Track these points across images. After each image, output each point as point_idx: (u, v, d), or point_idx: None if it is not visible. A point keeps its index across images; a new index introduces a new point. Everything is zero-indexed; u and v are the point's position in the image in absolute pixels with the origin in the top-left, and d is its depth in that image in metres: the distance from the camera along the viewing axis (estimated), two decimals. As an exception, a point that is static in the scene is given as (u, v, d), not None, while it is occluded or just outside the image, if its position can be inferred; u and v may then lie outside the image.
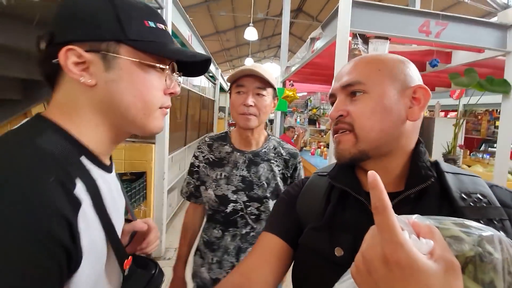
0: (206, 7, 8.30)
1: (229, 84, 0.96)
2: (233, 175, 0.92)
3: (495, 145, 4.53)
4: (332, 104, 0.51)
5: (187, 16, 2.62)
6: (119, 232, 0.49)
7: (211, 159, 0.96)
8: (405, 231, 0.26)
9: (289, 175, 0.97)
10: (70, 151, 0.39)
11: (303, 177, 0.97)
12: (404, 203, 0.43)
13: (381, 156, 0.47)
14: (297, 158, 0.99)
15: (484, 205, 0.41)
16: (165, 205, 2.58)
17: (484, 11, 6.05)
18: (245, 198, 0.91)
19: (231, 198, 0.91)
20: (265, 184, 0.92)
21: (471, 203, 0.41)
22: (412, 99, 0.46)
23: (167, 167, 2.51)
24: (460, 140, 3.72)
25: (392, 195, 0.43)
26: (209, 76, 5.64)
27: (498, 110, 6.28)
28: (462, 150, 3.61)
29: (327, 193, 0.52)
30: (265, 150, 0.96)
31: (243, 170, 0.92)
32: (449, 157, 2.88)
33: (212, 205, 0.93)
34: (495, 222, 0.38)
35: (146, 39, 0.42)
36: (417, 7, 4.36)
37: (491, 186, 0.45)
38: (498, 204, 0.41)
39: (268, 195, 0.92)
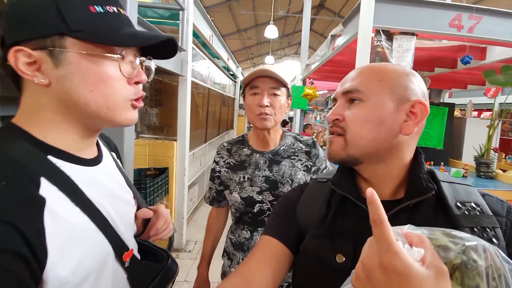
0: (227, 6, 8.40)
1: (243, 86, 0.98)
2: (256, 176, 0.94)
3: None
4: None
5: (208, 16, 2.68)
6: (119, 222, 0.49)
7: (232, 163, 0.98)
8: (399, 241, 0.29)
9: (312, 164, 0.98)
10: (34, 153, 0.40)
11: (326, 161, 0.99)
12: (403, 212, 0.45)
13: (375, 164, 0.48)
14: (316, 147, 1.00)
15: (478, 213, 0.43)
16: (185, 200, 2.68)
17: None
18: (271, 198, 0.93)
19: (257, 199, 0.92)
20: (289, 180, 0.93)
21: (465, 212, 0.43)
22: (409, 113, 0.47)
23: (187, 163, 2.61)
24: (495, 143, 3.45)
25: (391, 203, 0.46)
26: (230, 74, 5.72)
27: (541, 110, 5.70)
28: (496, 154, 3.35)
29: (327, 199, 0.53)
30: (284, 147, 0.98)
31: (265, 170, 0.94)
32: (481, 160, 2.69)
33: (239, 207, 0.95)
34: (488, 230, 0.41)
35: (91, 27, 0.39)
36: (448, 0, 4.10)
37: (483, 195, 0.47)
38: (490, 213, 0.44)
39: None
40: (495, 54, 2.71)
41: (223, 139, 5.39)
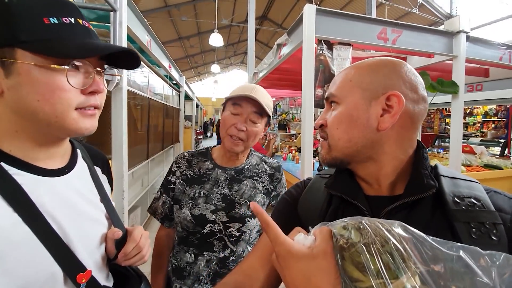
0: (166, 12, 8.03)
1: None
2: (213, 193, 0.86)
3: (447, 140, 4.99)
4: None
5: (146, 20, 2.43)
6: (76, 239, 0.47)
7: (189, 175, 0.88)
8: (300, 233, 0.39)
9: (272, 188, 0.94)
10: None
11: (285, 186, 0.97)
12: (402, 208, 0.44)
13: (364, 162, 0.48)
14: (280, 171, 0.97)
15: (477, 209, 0.41)
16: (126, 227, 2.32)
17: (430, 20, 6.75)
18: (225, 219, 0.84)
19: (209, 218, 0.83)
20: (247, 202, 0.87)
21: (463, 207, 0.41)
22: (385, 107, 0.45)
23: (126, 184, 2.27)
24: (418, 137, 4.02)
25: (390, 199, 0.46)
26: (173, 83, 5.39)
27: (447, 109, 7.01)
28: (419, 148, 3.89)
29: (330, 196, 0.53)
30: (248, 166, 0.92)
31: (224, 188, 0.86)
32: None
33: (187, 225, 0.84)
34: (487, 226, 0.39)
35: (41, 38, 0.40)
36: (373, 15, 4.66)
37: (489, 192, 0.45)
38: (492, 209, 0.41)
39: (250, 213, 0.87)
40: (413, 62, 3.15)
41: (168, 154, 5.00)
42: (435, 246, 0.30)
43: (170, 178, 0.89)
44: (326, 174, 0.58)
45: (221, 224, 0.83)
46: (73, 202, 0.50)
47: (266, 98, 0.84)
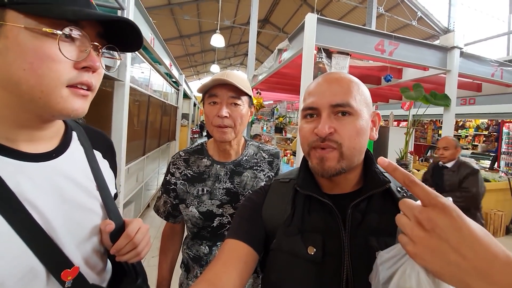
0: (169, 10, 8.05)
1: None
2: (216, 188, 0.86)
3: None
4: (307, 116, 0.54)
5: (150, 18, 2.47)
6: (64, 231, 0.43)
7: (189, 175, 0.88)
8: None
9: (274, 174, 0.94)
10: None
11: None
12: (363, 200, 0.51)
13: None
14: (278, 157, 0.97)
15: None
16: (122, 222, 2.34)
17: (428, 33, 6.90)
18: (231, 211, 0.86)
19: (217, 213, 0.85)
20: (251, 192, 0.88)
21: (404, 194, 0.52)
22: (371, 122, 0.54)
23: (123, 179, 2.30)
24: (411, 147, 4.10)
25: (352, 194, 0.53)
26: (172, 81, 5.41)
27: (441, 120, 7.16)
28: (412, 156, 3.98)
29: (292, 199, 0.56)
30: (246, 157, 0.92)
31: (226, 182, 0.87)
32: (401, 162, 3.14)
33: (196, 222, 0.86)
34: None
35: (38, 1, 0.37)
36: (373, 27, 4.75)
37: None
38: None
39: None
40: (409, 74, 3.24)
41: (164, 152, 4.99)
42: None
43: (168, 179, 0.90)
44: (286, 179, 0.61)
45: (228, 216, 0.86)
46: (60, 189, 0.45)
47: (239, 79, 0.83)
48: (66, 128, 0.52)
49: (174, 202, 0.90)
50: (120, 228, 0.52)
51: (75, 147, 0.51)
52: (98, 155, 0.56)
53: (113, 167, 0.61)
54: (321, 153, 0.51)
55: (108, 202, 0.52)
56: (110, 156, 0.61)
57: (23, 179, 0.40)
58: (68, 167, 0.47)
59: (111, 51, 0.46)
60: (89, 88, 0.43)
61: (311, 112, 0.53)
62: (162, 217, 0.93)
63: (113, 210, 0.53)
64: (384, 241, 0.46)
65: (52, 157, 0.45)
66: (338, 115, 0.50)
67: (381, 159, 0.37)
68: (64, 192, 0.45)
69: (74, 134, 0.53)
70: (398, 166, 0.35)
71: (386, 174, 0.53)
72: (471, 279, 0.28)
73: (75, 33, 0.39)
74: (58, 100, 0.39)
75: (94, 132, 0.59)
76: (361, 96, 0.52)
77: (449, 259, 0.29)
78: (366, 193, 0.51)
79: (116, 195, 0.61)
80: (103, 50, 0.44)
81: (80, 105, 0.42)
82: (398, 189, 0.52)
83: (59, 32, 0.37)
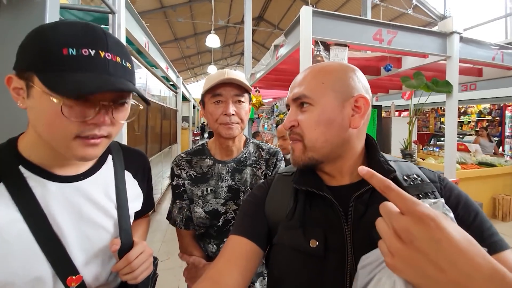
0: (162, 13, 8.01)
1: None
2: (219, 187, 0.88)
3: (442, 138, 5.07)
4: (288, 110, 0.55)
5: (143, 22, 2.44)
6: (76, 244, 0.50)
7: (193, 176, 0.90)
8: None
9: (270, 174, 0.95)
10: (6, 161, 0.48)
11: None
12: (366, 191, 0.49)
13: (334, 160, 0.52)
14: (276, 156, 0.97)
15: (420, 182, 0.51)
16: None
17: (424, 21, 6.83)
18: (234, 207, 0.88)
19: (221, 211, 0.87)
20: (250, 189, 0.89)
21: (411, 183, 0.50)
22: (354, 108, 0.50)
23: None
24: (414, 136, 4.07)
25: (353, 186, 0.51)
26: (170, 84, 5.39)
27: (442, 108, 7.12)
28: (416, 145, 3.95)
29: (294, 192, 0.55)
30: (246, 155, 0.94)
31: (228, 180, 0.89)
32: (406, 152, 3.10)
33: (203, 222, 0.87)
34: (429, 194, 0.48)
35: (55, 69, 0.42)
36: (369, 17, 4.70)
37: (420, 168, 0.55)
38: (428, 181, 0.51)
39: None
40: (408, 63, 3.20)
41: (166, 155, 4.98)
42: None
43: (176, 182, 0.89)
44: (289, 172, 0.60)
45: (232, 212, 0.87)
46: (79, 207, 0.51)
47: (240, 77, 0.86)
48: (105, 151, 0.57)
49: (189, 204, 0.90)
50: (129, 247, 0.56)
51: (106, 168, 0.59)
52: (128, 175, 0.63)
53: (143, 186, 0.69)
54: (290, 144, 0.54)
55: (122, 221, 0.58)
56: (141, 175, 0.68)
57: (49, 196, 0.49)
58: (92, 188, 0.55)
59: (125, 101, 0.51)
60: (101, 137, 0.48)
61: (288, 108, 0.55)
62: (181, 227, 0.89)
63: (126, 229, 0.58)
64: None
65: (79, 179, 0.53)
66: (301, 107, 0.51)
67: (361, 168, 0.35)
68: (82, 210, 0.52)
69: (110, 157, 0.61)
70: (374, 172, 0.33)
71: (391, 163, 0.52)
72: None
73: (82, 98, 0.44)
74: (67, 150, 0.46)
75: (131, 154, 0.67)
76: (327, 83, 0.49)
77: (427, 273, 0.27)
78: (370, 184, 0.48)
79: (142, 211, 0.69)
80: (113, 106, 0.48)
81: (90, 152, 0.47)
82: (405, 177, 0.51)
83: (58, 101, 0.43)
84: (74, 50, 0.42)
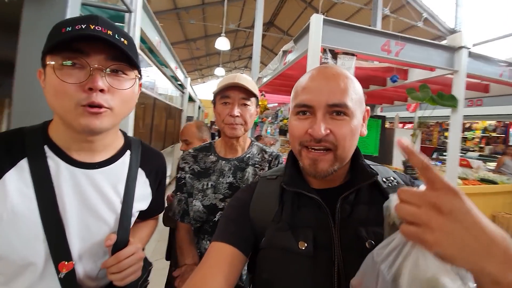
0: (175, 14, 8.14)
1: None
2: (220, 183, 0.91)
3: (445, 153, 5.04)
4: (300, 113, 0.51)
5: (157, 22, 2.51)
6: (75, 231, 0.50)
7: (196, 170, 0.94)
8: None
9: None
10: (35, 139, 0.51)
11: None
12: (352, 193, 0.52)
13: None
14: (278, 159, 1.01)
15: (396, 184, 0.55)
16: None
17: (434, 35, 6.85)
18: None
19: (219, 207, 0.90)
20: None
21: (389, 184, 0.55)
22: (362, 118, 0.54)
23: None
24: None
25: (341, 187, 0.53)
26: (178, 84, 5.46)
27: (447, 122, 7.09)
28: (418, 159, 3.92)
29: (280, 195, 0.56)
30: (249, 155, 0.98)
31: (229, 177, 0.92)
32: (408, 164, 3.10)
33: (200, 216, 0.90)
34: None
35: (55, 43, 0.45)
36: (378, 27, 4.73)
37: (394, 172, 0.60)
38: (402, 182, 0.57)
39: None
40: (415, 75, 3.21)
41: (169, 154, 5.03)
42: None
43: (179, 175, 0.94)
44: (273, 175, 0.61)
45: None
46: (86, 195, 0.53)
47: (248, 82, 0.91)
48: (124, 146, 0.62)
49: (187, 198, 0.93)
50: (124, 246, 0.55)
51: (121, 163, 0.60)
52: (141, 173, 0.64)
53: (154, 186, 0.68)
54: (314, 154, 0.49)
55: (124, 218, 0.57)
56: (154, 176, 0.68)
57: (62, 177, 0.50)
58: (103, 179, 0.55)
59: (122, 71, 0.52)
60: (101, 106, 0.48)
61: (304, 110, 0.50)
62: (177, 218, 0.94)
63: (125, 227, 0.57)
64: (372, 231, 0.47)
65: (94, 167, 0.55)
66: (333, 114, 0.48)
67: (400, 140, 0.35)
68: (88, 198, 0.53)
69: (128, 152, 0.62)
70: (413, 150, 0.34)
71: (372, 167, 0.55)
72: (483, 260, 0.28)
73: (75, 61, 0.47)
74: (75, 118, 0.47)
75: (149, 154, 0.68)
76: (357, 95, 0.51)
77: (465, 241, 0.29)
78: (355, 186, 0.51)
79: (149, 212, 0.68)
80: (106, 71, 0.49)
81: (92, 121, 0.48)
82: (384, 179, 0.55)
83: (52, 63, 0.47)
84: (70, 27, 0.47)
